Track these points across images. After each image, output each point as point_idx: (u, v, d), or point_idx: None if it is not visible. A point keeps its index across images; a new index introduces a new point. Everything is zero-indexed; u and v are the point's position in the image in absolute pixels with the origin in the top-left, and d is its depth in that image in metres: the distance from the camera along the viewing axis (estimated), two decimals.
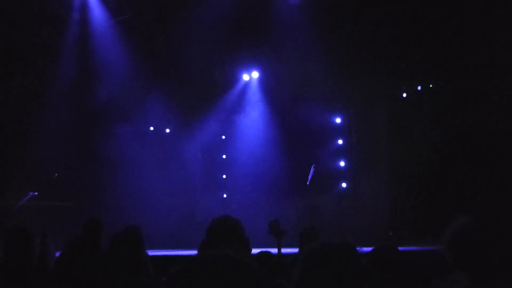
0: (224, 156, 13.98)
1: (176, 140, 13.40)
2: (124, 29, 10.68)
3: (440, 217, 9.15)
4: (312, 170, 9.86)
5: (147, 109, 12.57)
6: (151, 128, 13.68)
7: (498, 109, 9.71)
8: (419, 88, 11.70)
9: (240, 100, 13.08)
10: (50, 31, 10.34)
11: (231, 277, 1.56)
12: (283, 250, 5.17)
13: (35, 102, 11.10)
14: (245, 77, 12.83)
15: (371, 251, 3.14)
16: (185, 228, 11.86)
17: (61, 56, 10.78)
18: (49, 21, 10.12)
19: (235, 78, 12.82)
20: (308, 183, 9.91)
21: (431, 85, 11.54)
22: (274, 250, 4.88)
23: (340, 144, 12.91)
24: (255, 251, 3.51)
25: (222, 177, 13.89)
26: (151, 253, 4.56)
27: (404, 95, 11.97)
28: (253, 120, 13.00)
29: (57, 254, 4.46)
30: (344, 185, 12.66)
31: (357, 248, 1.78)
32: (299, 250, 4.57)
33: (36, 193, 10.14)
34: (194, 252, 4.50)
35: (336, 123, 13.01)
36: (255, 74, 12.67)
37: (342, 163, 12.76)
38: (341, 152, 12.85)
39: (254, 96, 12.94)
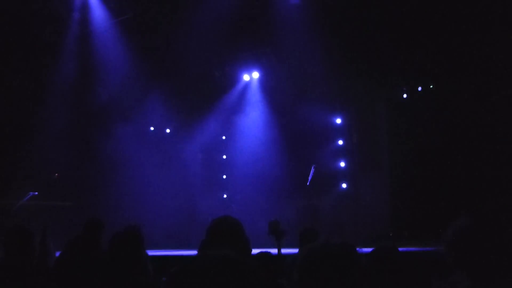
0: (224, 157, 13.99)
1: (176, 140, 13.40)
2: (124, 29, 10.69)
3: (440, 218, 9.13)
4: (312, 171, 9.85)
5: (147, 109, 12.58)
6: (152, 128, 13.69)
7: (498, 110, 9.71)
8: (419, 89, 11.69)
9: (240, 100, 13.08)
10: (51, 30, 10.34)
11: (231, 277, 1.56)
12: (283, 251, 5.17)
13: (36, 102, 11.10)
14: (246, 77, 12.84)
15: (371, 251, 3.14)
16: (185, 228, 11.87)
17: (61, 56, 10.79)
18: (50, 20, 10.12)
19: (236, 79, 12.83)
20: (308, 183, 9.91)
21: (431, 86, 11.53)
22: (274, 251, 4.88)
23: (340, 145, 12.91)
24: (255, 251, 3.50)
25: (222, 177, 13.89)
26: (151, 253, 4.56)
27: (405, 96, 11.96)
28: (253, 120, 13.00)
29: (57, 254, 4.46)
30: (344, 185, 12.66)
31: (357, 249, 1.78)
32: (299, 251, 4.57)
33: (36, 192, 10.14)
34: (194, 252, 4.50)
35: (336, 124, 13.01)
36: (256, 75, 12.68)
37: (342, 164, 12.76)
38: (341, 153, 12.85)
39: (254, 96, 12.94)
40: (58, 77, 10.95)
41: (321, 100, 12.08)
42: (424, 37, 9.86)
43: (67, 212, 10.72)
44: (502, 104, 9.65)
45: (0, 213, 9.74)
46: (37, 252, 3.58)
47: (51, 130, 10.89)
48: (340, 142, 12.91)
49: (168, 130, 13.84)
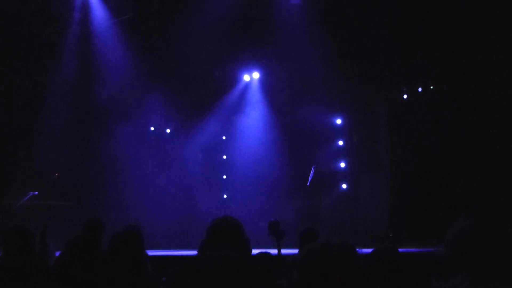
0: (224, 157, 13.98)
1: (176, 140, 13.39)
2: (125, 29, 10.69)
3: (440, 219, 9.14)
4: (312, 171, 9.86)
5: (148, 109, 12.58)
6: (152, 128, 13.68)
7: (499, 111, 9.71)
8: (420, 89, 11.69)
9: (241, 100, 13.08)
10: (51, 30, 10.34)
11: (230, 278, 1.56)
12: (283, 251, 5.17)
13: (36, 102, 11.10)
14: (246, 77, 12.84)
15: (371, 252, 3.14)
16: (185, 228, 11.86)
17: (61, 56, 10.79)
18: (50, 20, 10.12)
19: (236, 79, 12.83)
20: (308, 184, 9.92)
21: (432, 87, 11.53)
22: (274, 251, 4.88)
23: (340, 145, 12.91)
24: (254, 251, 3.50)
25: (223, 177, 13.89)
26: (151, 253, 4.56)
27: (405, 96, 11.96)
28: (253, 120, 13.00)
29: (57, 253, 4.46)
30: (344, 186, 12.65)
31: (357, 249, 1.78)
32: (299, 251, 4.56)
33: (37, 192, 10.15)
34: (194, 252, 4.50)
35: (336, 124, 13.01)
36: (256, 75, 12.68)
37: (342, 164, 12.76)
38: (341, 153, 12.85)
39: (255, 96, 12.94)
40: (58, 77, 10.95)
41: (322, 101, 12.08)
42: (425, 37, 9.87)
43: (67, 212, 10.72)
44: (502, 105, 9.65)
45: (0, 212, 9.75)
46: (37, 252, 3.58)
47: (51, 130, 10.89)
48: (340, 143, 12.91)
49: (168, 130, 13.84)
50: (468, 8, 9.05)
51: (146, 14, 10.36)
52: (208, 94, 12.81)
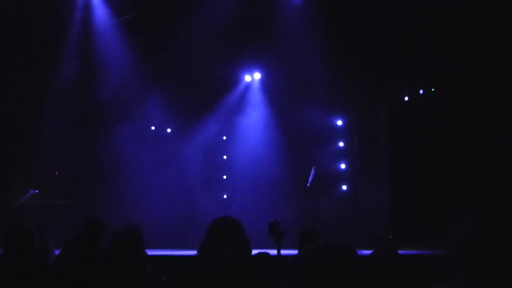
0: (224, 157, 13.99)
1: (177, 140, 13.40)
2: (126, 28, 10.69)
3: (440, 220, 9.14)
4: (312, 172, 9.86)
5: (148, 109, 12.59)
6: (153, 128, 13.69)
7: (499, 112, 9.70)
8: (421, 91, 11.69)
9: (241, 101, 13.09)
10: (53, 29, 10.35)
11: (230, 278, 1.56)
12: (283, 251, 5.17)
13: (37, 101, 11.11)
14: (247, 78, 12.85)
15: (371, 254, 3.14)
16: (185, 228, 11.86)
17: (62, 55, 10.79)
18: (52, 19, 10.13)
19: (237, 79, 12.83)
20: (308, 185, 9.92)
21: (432, 89, 11.53)
22: (273, 251, 4.88)
23: (341, 146, 12.91)
24: (254, 251, 3.50)
25: (223, 177, 13.89)
26: (151, 253, 4.56)
27: (406, 98, 11.96)
28: (254, 121, 13.01)
29: (57, 252, 4.47)
30: (344, 187, 12.66)
31: (357, 251, 1.78)
32: (298, 252, 4.56)
33: (37, 191, 10.16)
34: (194, 252, 4.50)
35: (337, 125, 13.01)
36: (257, 75, 12.69)
37: (342, 165, 12.77)
38: (341, 154, 12.86)
39: (256, 97, 12.94)
40: (59, 76, 10.96)
41: (322, 102, 12.09)
42: (426, 39, 9.87)
43: (67, 211, 10.74)
44: (503, 107, 9.65)
45: (0, 211, 9.76)
46: (37, 250, 3.58)
47: (52, 129, 10.89)
48: (341, 144, 12.92)
49: (169, 130, 13.84)
50: (470, 10, 9.05)
51: (147, 14, 10.36)
52: (208, 94, 12.82)
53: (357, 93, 12.06)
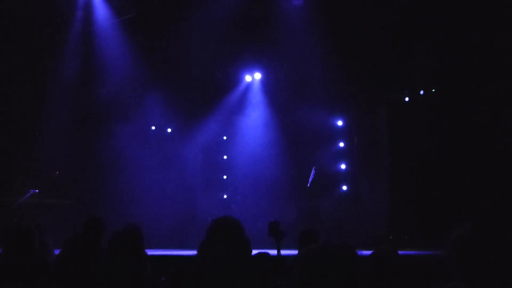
0: (225, 157, 13.99)
1: (177, 140, 13.40)
2: (127, 28, 10.70)
3: (440, 221, 9.14)
4: (312, 172, 9.85)
5: (149, 109, 12.59)
6: (153, 128, 13.69)
7: (500, 113, 9.70)
8: (421, 92, 11.68)
9: (242, 101, 13.09)
10: (54, 29, 10.35)
11: (230, 278, 1.56)
12: (283, 252, 5.17)
13: (37, 100, 11.11)
14: (247, 78, 12.85)
15: (371, 254, 3.14)
16: (185, 228, 11.87)
17: (63, 55, 10.80)
18: (53, 19, 10.13)
19: (237, 79, 12.83)
20: (308, 185, 9.91)
21: (433, 90, 11.52)
22: (273, 252, 4.88)
23: (341, 147, 12.91)
24: (254, 252, 3.50)
25: (223, 177, 13.89)
26: (151, 252, 4.56)
27: (407, 99, 11.96)
28: (254, 121, 13.01)
29: (56, 251, 4.47)
30: (344, 187, 12.65)
31: (357, 251, 1.78)
32: (298, 252, 4.56)
33: (37, 190, 10.16)
34: (194, 252, 4.50)
35: (337, 126, 13.01)
36: (257, 75, 12.69)
37: (343, 166, 12.76)
38: (342, 155, 12.84)
39: (256, 97, 12.95)
40: (60, 76, 10.96)
41: (323, 102, 12.09)
42: (427, 40, 9.86)
43: (67, 210, 10.74)
44: (504, 108, 9.64)
45: (0, 211, 9.76)
46: (37, 250, 3.58)
47: (52, 129, 10.90)
48: (341, 144, 12.91)
49: (169, 130, 13.85)
50: (470, 10, 9.05)
51: (148, 14, 10.37)
52: (209, 94, 12.82)
53: (357, 93, 12.05)
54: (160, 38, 11.06)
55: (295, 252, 5.15)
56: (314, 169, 9.86)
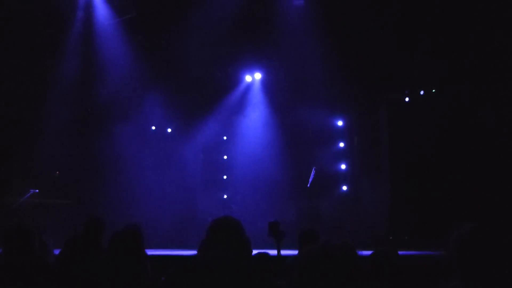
0: (225, 157, 13.99)
1: (177, 140, 13.41)
2: (127, 28, 10.70)
3: (440, 221, 9.14)
4: (313, 173, 9.85)
5: (149, 109, 12.59)
6: (153, 128, 13.69)
7: (500, 114, 9.70)
8: (421, 92, 11.69)
9: (242, 101, 13.09)
10: (54, 29, 10.35)
11: (230, 278, 1.56)
12: (283, 252, 5.17)
13: (37, 100, 11.11)
14: (248, 78, 12.85)
15: (371, 254, 3.14)
16: (185, 228, 11.86)
17: (64, 55, 10.80)
18: (53, 19, 10.13)
19: (237, 79, 12.83)
20: (308, 185, 9.91)
21: (433, 90, 11.53)
22: (273, 252, 4.88)
23: (341, 147, 12.91)
24: (254, 252, 3.50)
25: (223, 177, 13.89)
26: (151, 252, 4.56)
27: (407, 99, 11.96)
28: (254, 121, 13.01)
29: (56, 251, 4.47)
30: (344, 188, 12.65)
31: (357, 251, 1.78)
32: (298, 252, 4.56)
33: (37, 190, 10.16)
34: (194, 252, 4.50)
35: (337, 126, 13.01)
36: (258, 76, 12.69)
37: (343, 166, 12.76)
38: (342, 155, 12.85)
39: (256, 97, 12.95)
40: (60, 76, 10.96)
41: (323, 102, 12.09)
42: (427, 40, 9.86)
43: (67, 210, 10.74)
44: (504, 108, 9.64)
45: (0, 211, 9.76)
46: (37, 250, 3.57)
47: (52, 128, 10.90)
48: (341, 145, 12.92)
49: (169, 130, 13.85)
50: (470, 10, 9.05)
51: (148, 14, 10.37)
52: (209, 94, 12.82)
53: (357, 93, 12.06)
54: (160, 38, 11.06)
55: (295, 252, 5.15)
56: (314, 169, 9.86)
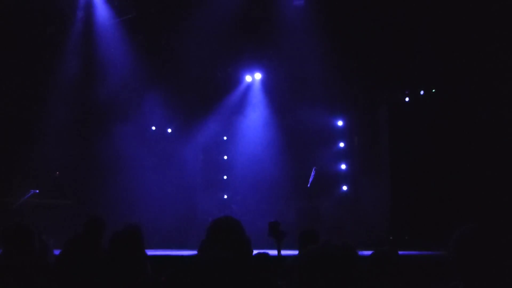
0: (225, 157, 13.99)
1: (177, 140, 13.40)
2: (127, 28, 10.70)
3: (441, 221, 9.14)
4: (313, 173, 9.85)
5: (149, 109, 12.59)
6: (153, 128, 13.69)
7: (500, 114, 9.70)
8: (421, 92, 11.68)
9: (242, 101, 13.09)
10: (55, 29, 10.36)
11: (230, 278, 1.56)
12: (283, 252, 5.16)
13: (37, 100, 11.12)
14: (248, 78, 12.85)
15: (371, 254, 3.14)
16: (185, 228, 11.86)
17: (64, 55, 10.80)
18: (54, 19, 10.13)
19: (238, 79, 12.83)
20: (308, 185, 9.91)
21: (433, 90, 11.52)
22: (273, 252, 4.88)
23: (341, 147, 12.91)
24: (254, 252, 3.50)
25: (223, 178, 13.89)
26: (151, 253, 4.56)
27: (407, 99, 11.96)
28: (254, 121, 13.01)
29: (56, 252, 4.47)
30: (344, 188, 12.65)
31: (357, 251, 1.78)
32: (298, 252, 4.56)
33: (37, 190, 10.16)
34: (194, 252, 4.50)
35: (337, 126, 13.01)
36: (258, 76, 12.69)
37: (343, 166, 12.76)
38: (342, 155, 12.85)
39: (256, 97, 12.95)
40: (60, 76, 10.96)
41: (323, 102, 12.09)
42: (427, 40, 9.86)
43: (67, 211, 10.74)
44: (504, 107, 9.64)
45: (1, 210, 9.76)
46: (37, 250, 3.57)
47: (52, 129, 10.90)
48: (341, 145, 12.92)
49: (169, 130, 13.85)
50: (470, 10, 9.05)
51: (148, 14, 10.37)
52: (209, 94, 12.82)
53: (357, 93, 12.05)
54: (160, 38, 11.07)
55: (295, 252, 5.14)
56: (314, 169, 9.86)
